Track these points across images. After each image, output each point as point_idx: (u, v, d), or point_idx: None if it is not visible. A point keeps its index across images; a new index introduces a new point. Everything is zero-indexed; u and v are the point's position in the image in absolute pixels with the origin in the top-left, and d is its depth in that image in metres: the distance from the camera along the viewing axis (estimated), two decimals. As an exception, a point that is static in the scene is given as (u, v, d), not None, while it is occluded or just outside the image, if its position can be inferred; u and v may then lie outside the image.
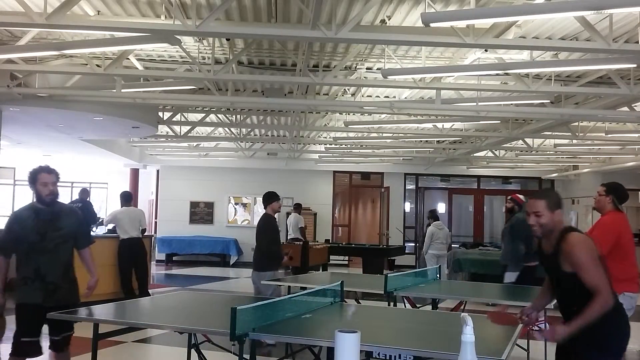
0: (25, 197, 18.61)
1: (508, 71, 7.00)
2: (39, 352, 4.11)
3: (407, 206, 18.55)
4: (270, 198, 6.94)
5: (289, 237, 13.27)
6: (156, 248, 16.76)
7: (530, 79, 7.46)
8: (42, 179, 4.17)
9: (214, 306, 4.74)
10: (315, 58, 7.85)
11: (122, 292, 9.01)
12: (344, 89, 9.75)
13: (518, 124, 11.54)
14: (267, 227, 6.88)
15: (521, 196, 8.01)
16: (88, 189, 11.08)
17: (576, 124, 10.78)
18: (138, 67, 8.01)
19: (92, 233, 10.01)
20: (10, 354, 4.09)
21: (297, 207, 13.73)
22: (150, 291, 9.46)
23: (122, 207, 9.43)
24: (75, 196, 10.93)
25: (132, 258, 9.22)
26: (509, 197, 8.06)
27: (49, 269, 4.14)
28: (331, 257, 14.02)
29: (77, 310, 4.00)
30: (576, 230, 3.30)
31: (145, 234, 9.70)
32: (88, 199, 10.67)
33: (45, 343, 4.23)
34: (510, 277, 7.58)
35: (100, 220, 11.03)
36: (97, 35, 6.85)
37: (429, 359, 3.08)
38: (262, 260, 6.80)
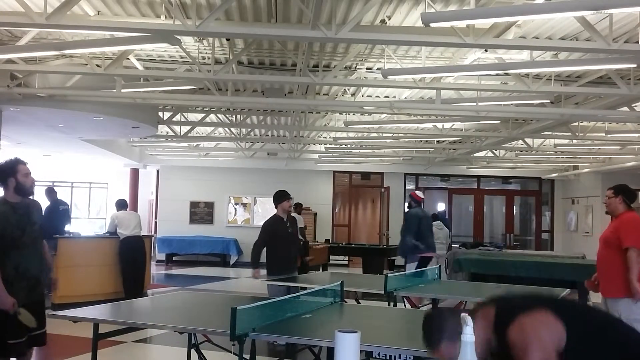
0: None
1: (508, 71, 7.00)
2: (25, 353, 4.04)
3: (407, 206, 18.54)
4: (280, 197, 6.58)
5: None
6: (156, 248, 16.76)
7: (530, 79, 7.46)
8: (23, 170, 4.05)
9: (214, 306, 4.74)
10: (315, 58, 7.85)
11: (124, 293, 8.99)
12: (344, 89, 9.75)
13: (518, 124, 11.54)
14: (264, 230, 6.58)
15: (419, 193, 9.01)
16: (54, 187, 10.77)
17: (576, 124, 10.77)
18: (138, 67, 8.01)
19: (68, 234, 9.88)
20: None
21: (297, 207, 13.70)
22: (150, 291, 9.46)
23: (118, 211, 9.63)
24: (65, 197, 10.81)
25: (132, 256, 9.23)
26: (408, 195, 8.93)
27: (30, 265, 4.04)
28: (331, 257, 14.04)
29: (77, 310, 4.00)
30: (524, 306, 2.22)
31: (146, 233, 9.74)
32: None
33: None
34: (409, 267, 8.31)
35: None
36: (97, 35, 6.84)
37: (429, 359, 3.08)
38: (267, 264, 6.61)
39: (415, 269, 7.99)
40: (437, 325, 2.35)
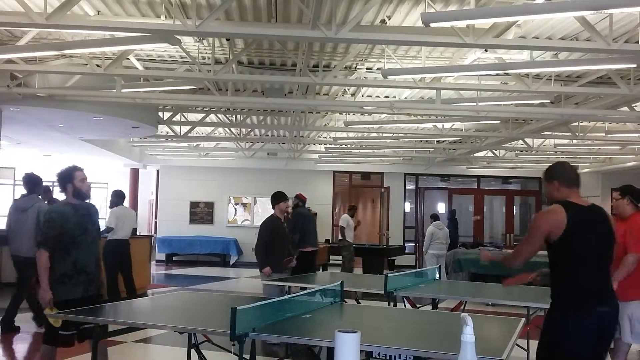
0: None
1: (508, 71, 7.00)
2: (72, 343, 4.27)
3: (407, 206, 18.56)
4: (277, 198, 6.75)
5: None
6: (156, 248, 16.76)
7: (530, 79, 7.46)
8: (80, 176, 4.47)
9: (214, 306, 4.74)
10: (315, 58, 7.85)
11: (107, 295, 8.60)
12: (344, 89, 9.75)
13: (518, 124, 11.54)
14: (263, 230, 6.68)
15: (303, 194, 10.03)
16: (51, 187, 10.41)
17: (576, 124, 10.78)
18: (138, 67, 8.01)
19: None
20: (44, 342, 4.29)
21: (351, 209, 13.64)
22: (150, 291, 9.40)
23: (116, 205, 9.19)
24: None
25: (119, 259, 8.89)
26: (294, 196, 9.72)
27: (87, 261, 4.36)
28: (331, 257, 14.03)
29: (77, 310, 4.00)
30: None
31: (146, 233, 9.59)
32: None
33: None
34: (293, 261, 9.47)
35: None
36: (97, 35, 6.85)
37: (429, 359, 3.08)
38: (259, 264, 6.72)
39: (297, 261, 9.12)
40: None
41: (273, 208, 6.80)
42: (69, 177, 4.46)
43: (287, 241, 7.02)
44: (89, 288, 4.36)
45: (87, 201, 4.58)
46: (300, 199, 9.83)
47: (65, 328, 4.16)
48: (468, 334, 2.24)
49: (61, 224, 4.28)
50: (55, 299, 4.20)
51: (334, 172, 18.30)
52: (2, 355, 6.39)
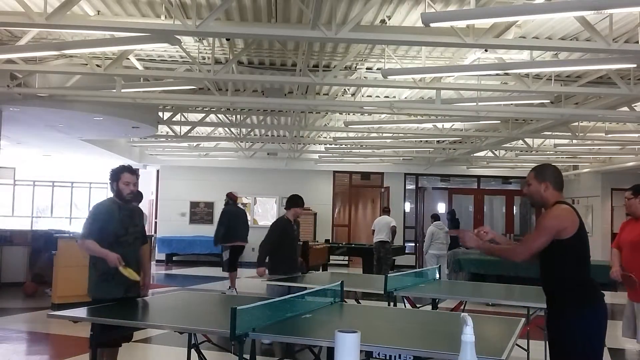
0: (26, 197, 18.63)
1: (508, 71, 7.00)
2: (117, 344, 4.30)
3: (407, 206, 18.55)
4: (294, 202, 6.61)
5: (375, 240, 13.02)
6: (156, 248, 16.76)
7: (530, 79, 7.46)
8: (125, 178, 4.46)
9: (214, 306, 4.74)
10: (315, 58, 7.85)
11: None
12: (344, 89, 9.75)
13: (518, 124, 11.54)
14: (274, 230, 6.61)
15: (235, 192, 11.10)
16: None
17: (576, 124, 10.78)
18: (138, 67, 8.01)
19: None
20: (91, 346, 4.22)
21: (387, 210, 13.70)
22: (150, 291, 9.38)
23: None
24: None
25: None
26: (226, 194, 10.75)
27: (128, 262, 4.33)
28: (331, 257, 14.04)
29: (77, 310, 4.00)
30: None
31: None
32: None
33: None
34: (225, 255, 10.57)
35: None
36: (97, 35, 6.85)
37: (429, 359, 3.08)
38: (272, 264, 6.63)
39: (229, 255, 10.42)
40: None
41: (287, 209, 6.67)
42: (116, 177, 4.51)
43: (297, 243, 6.95)
44: (130, 289, 4.36)
45: (134, 204, 4.62)
46: (230, 198, 10.51)
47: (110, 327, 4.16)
48: (468, 334, 2.24)
49: (104, 219, 4.33)
50: (96, 296, 4.25)
51: (334, 172, 18.30)
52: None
